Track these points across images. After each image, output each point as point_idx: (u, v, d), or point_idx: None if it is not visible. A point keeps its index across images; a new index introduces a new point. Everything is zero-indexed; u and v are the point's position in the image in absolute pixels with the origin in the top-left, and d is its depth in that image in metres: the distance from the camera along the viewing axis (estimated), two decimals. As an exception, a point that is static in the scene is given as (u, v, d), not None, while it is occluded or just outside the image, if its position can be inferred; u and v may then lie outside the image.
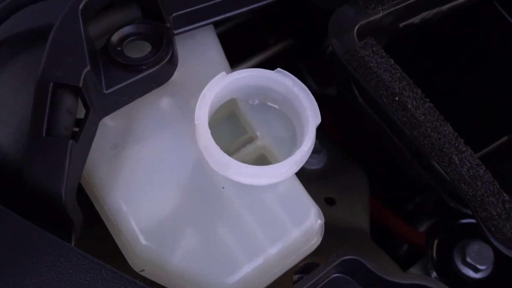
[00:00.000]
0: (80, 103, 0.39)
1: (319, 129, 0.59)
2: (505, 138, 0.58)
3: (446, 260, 0.60)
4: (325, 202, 0.62)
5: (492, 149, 0.56)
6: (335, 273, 0.41)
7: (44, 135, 0.36)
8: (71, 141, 0.36)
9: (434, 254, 0.60)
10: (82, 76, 0.37)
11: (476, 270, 0.59)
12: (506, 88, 0.57)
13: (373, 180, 0.67)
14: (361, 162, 0.68)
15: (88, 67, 0.37)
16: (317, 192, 0.47)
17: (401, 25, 0.48)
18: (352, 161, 0.67)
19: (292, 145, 0.44)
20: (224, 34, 0.59)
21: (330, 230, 0.51)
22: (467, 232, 0.62)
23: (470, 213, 0.44)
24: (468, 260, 0.59)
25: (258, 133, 0.45)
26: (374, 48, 0.42)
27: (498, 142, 0.57)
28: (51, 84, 0.36)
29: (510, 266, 0.58)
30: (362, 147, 0.71)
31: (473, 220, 0.55)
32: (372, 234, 0.63)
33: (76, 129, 0.38)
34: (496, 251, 0.57)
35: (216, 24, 0.51)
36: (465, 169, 0.39)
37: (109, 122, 0.43)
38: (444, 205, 0.59)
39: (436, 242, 0.61)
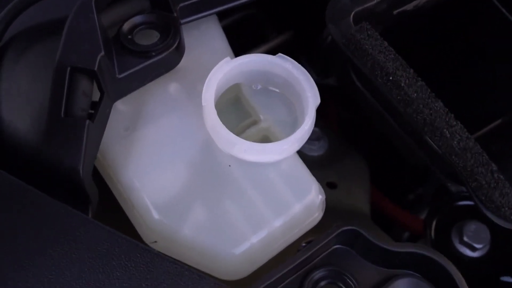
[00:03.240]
0: (95, 87, 0.42)
1: (321, 118, 0.61)
2: (499, 121, 0.60)
3: (444, 240, 0.62)
4: (326, 186, 0.64)
5: (486, 131, 0.59)
6: (335, 244, 0.43)
7: (62, 115, 0.39)
8: (87, 121, 0.39)
9: (433, 234, 0.62)
10: (97, 61, 0.39)
11: (473, 249, 0.61)
12: (499, 71, 0.60)
13: (374, 170, 0.69)
14: (362, 151, 0.70)
15: (103, 53, 0.40)
16: (318, 177, 0.49)
17: (395, 12, 0.50)
18: (352, 148, 0.70)
19: (294, 126, 0.46)
20: (226, 28, 0.61)
21: (332, 211, 0.53)
22: (464, 213, 0.64)
23: (465, 190, 0.47)
24: (465, 239, 0.61)
25: (261, 116, 0.47)
26: (368, 32, 0.45)
27: (492, 125, 0.59)
28: (68, 68, 0.39)
29: (506, 244, 0.60)
30: (362, 136, 0.73)
31: (470, 202, 0.57)
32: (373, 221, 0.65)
33: (92, 111, 0.41)
34: (492, 230, 0.59)
35: (219, 18, 0.54)
36: (455, 142, 0.42)
37: (121, 107, 0.46)
38: (443, 194, 0.62)
39: (434, 223, 0.63)
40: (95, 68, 0.39)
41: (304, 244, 0.55)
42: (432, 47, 0.60)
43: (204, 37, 0.50)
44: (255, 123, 0.47)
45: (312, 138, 0.66)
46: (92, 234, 0.37)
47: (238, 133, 0.46)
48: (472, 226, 0.61)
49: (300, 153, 0.47)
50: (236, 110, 0.48)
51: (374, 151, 0.73)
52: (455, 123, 0.43)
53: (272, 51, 0.67)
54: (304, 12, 0.66)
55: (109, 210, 0.45)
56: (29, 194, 0.39)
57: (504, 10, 0.57)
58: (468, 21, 0.58)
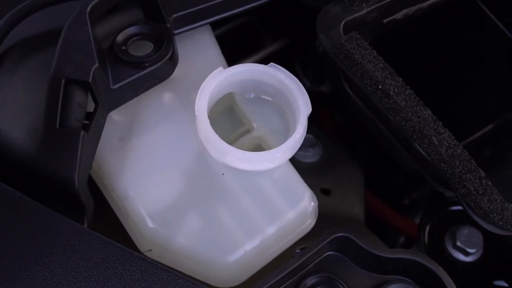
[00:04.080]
0: (89, 98, 0.42)
1: (315, 125, 0.61)
2: (490, 126, 0.61)
3: (437, 245, 0.63)
4: (321, 192, 0.64)
5: (478, 136, 0.59)
6: (328, 251, 0.44)
7: (57, 126, 0.39)
8: (82, 132, 0.39)
9: (426, 240, 0.63)
10: (91, 72, 0.40)
11: (466, 253, 0.61)
12: (490, 77, 0.60)
13: (368, 176, 0.70)
14: (356, 157, 0.71)
15: (97, 64, 0.40)
16: (312, 183, 0.49)
17: (385, 21, 0.51)
18: (346, 154, 0.70)
19: (286, 134, 0.47)
20: (221, 36, 0.62)
21: (326, 218, 0.54)
22: (458, 218, 0.64)
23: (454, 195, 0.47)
24: (458, 244, 0.61)
25: (254, 125, 0.48)
26: (358, 42, 0.46)
27: (483, 130, 0.60)
28: (63, 80, 0.40)
29: (499, 249, 0.60)
30: (356, 143, 0.74)
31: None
32: (368, 227, 0.65)
33: (86, 122, 0.42)
34: (485, 235, 0.60)
35: (213, 28, 0.54)
36: (443, 149, 0.42)
37: (116, 117, 0.47)
38: (436, 199, 0.62)
39: (428, 228, 0.64)
40: (89, 80, 0.40)
41: (298, 251, 0.56)
42: (422, 55, 0.61)
43: (197, 46, 0.51)
44: (248, 131, 0.48)
45: (306, 145, 0.67)
46: (87, 243, 0.38)
47: (232, 142, 0.47)
48: (465, 231, 0.62)
49: (294, 160, 0.48)
50: (230, 119, 0.49)
51: (369, 156, 0.73)
52: (443, 130, 0.43)
53: (267, 59, 0.68)
54: (298, 20, 0.67)
55: (104, 219, 0.45)
56: (24, 204, 0.39)
57: (493, 17, 0.58)
58: (457, 29, 0.59)
